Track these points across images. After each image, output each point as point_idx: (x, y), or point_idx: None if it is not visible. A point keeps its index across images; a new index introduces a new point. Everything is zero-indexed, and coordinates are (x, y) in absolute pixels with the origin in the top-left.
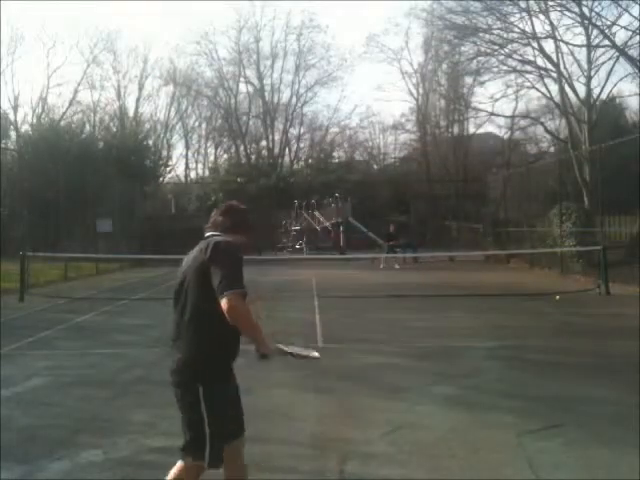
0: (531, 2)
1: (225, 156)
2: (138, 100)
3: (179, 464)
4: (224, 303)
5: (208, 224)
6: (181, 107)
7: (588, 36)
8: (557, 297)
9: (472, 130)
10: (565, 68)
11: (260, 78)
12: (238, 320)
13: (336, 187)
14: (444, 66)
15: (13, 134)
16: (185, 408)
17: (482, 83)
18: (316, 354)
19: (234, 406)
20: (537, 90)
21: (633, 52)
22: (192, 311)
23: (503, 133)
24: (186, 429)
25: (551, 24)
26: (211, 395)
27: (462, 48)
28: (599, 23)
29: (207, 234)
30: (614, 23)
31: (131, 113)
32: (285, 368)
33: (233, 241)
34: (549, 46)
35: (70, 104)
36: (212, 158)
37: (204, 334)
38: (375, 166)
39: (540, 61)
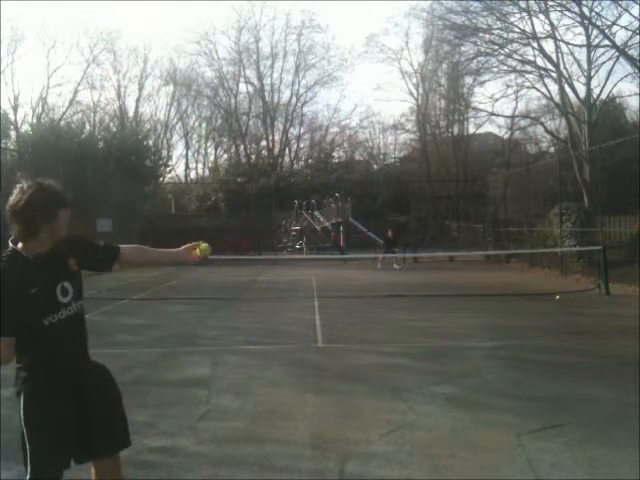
0: (531, 2)
1: (225, 156)
2: (138, 100)
3: None
4: None
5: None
6: (181, 107)
7: (588, 36)
8: (557, 297)
9: (472, 130)
10: (565, 68)
11: (260, 78)
12: None
13: (336, 187)
14: (444, 66)
15: (13, 134)
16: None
17: (482, 83)
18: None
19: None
20: (537, 90)
21: (633, 52)
22: None
23: (503, 133)
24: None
25: (551, 24)
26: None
27: (462, 48)
28: (599, 23)
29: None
30: (614, 23)
31: (131, 113)
32: (285, 368)
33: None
34: (549, 46)
35: (70, 104)
36: (212, 158)
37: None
38: (375, 166)
39: (540, 61)
